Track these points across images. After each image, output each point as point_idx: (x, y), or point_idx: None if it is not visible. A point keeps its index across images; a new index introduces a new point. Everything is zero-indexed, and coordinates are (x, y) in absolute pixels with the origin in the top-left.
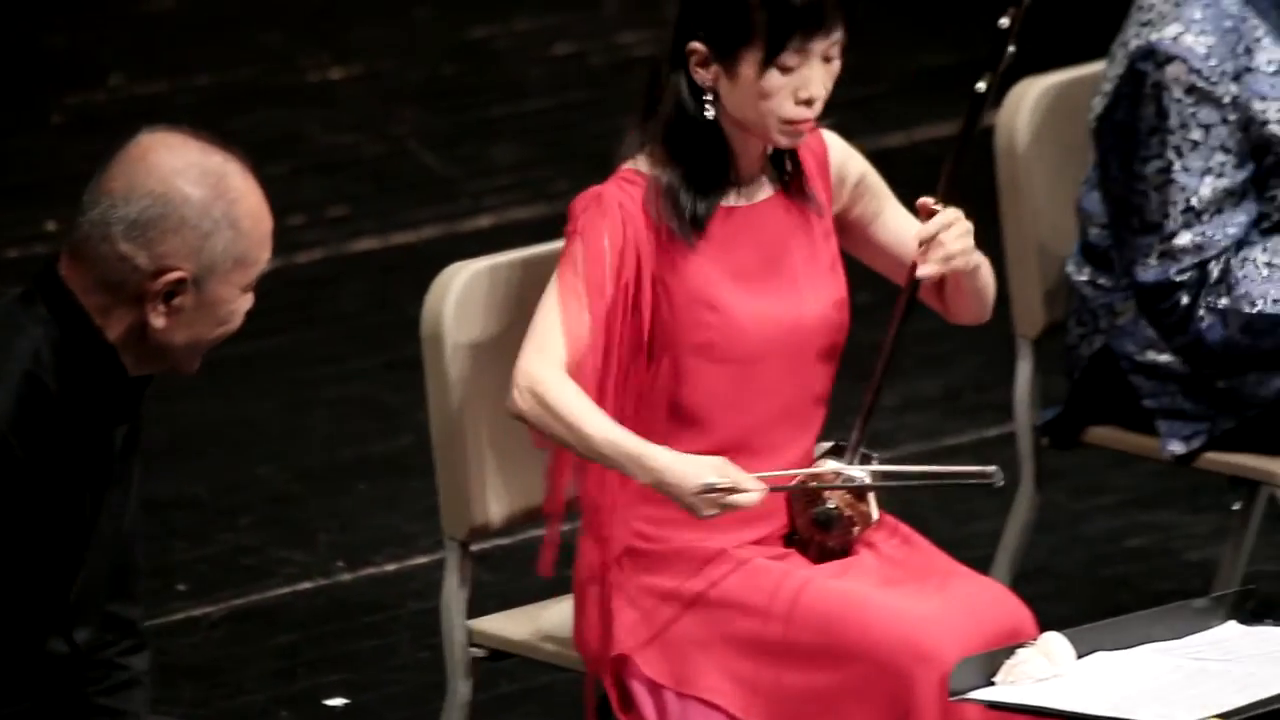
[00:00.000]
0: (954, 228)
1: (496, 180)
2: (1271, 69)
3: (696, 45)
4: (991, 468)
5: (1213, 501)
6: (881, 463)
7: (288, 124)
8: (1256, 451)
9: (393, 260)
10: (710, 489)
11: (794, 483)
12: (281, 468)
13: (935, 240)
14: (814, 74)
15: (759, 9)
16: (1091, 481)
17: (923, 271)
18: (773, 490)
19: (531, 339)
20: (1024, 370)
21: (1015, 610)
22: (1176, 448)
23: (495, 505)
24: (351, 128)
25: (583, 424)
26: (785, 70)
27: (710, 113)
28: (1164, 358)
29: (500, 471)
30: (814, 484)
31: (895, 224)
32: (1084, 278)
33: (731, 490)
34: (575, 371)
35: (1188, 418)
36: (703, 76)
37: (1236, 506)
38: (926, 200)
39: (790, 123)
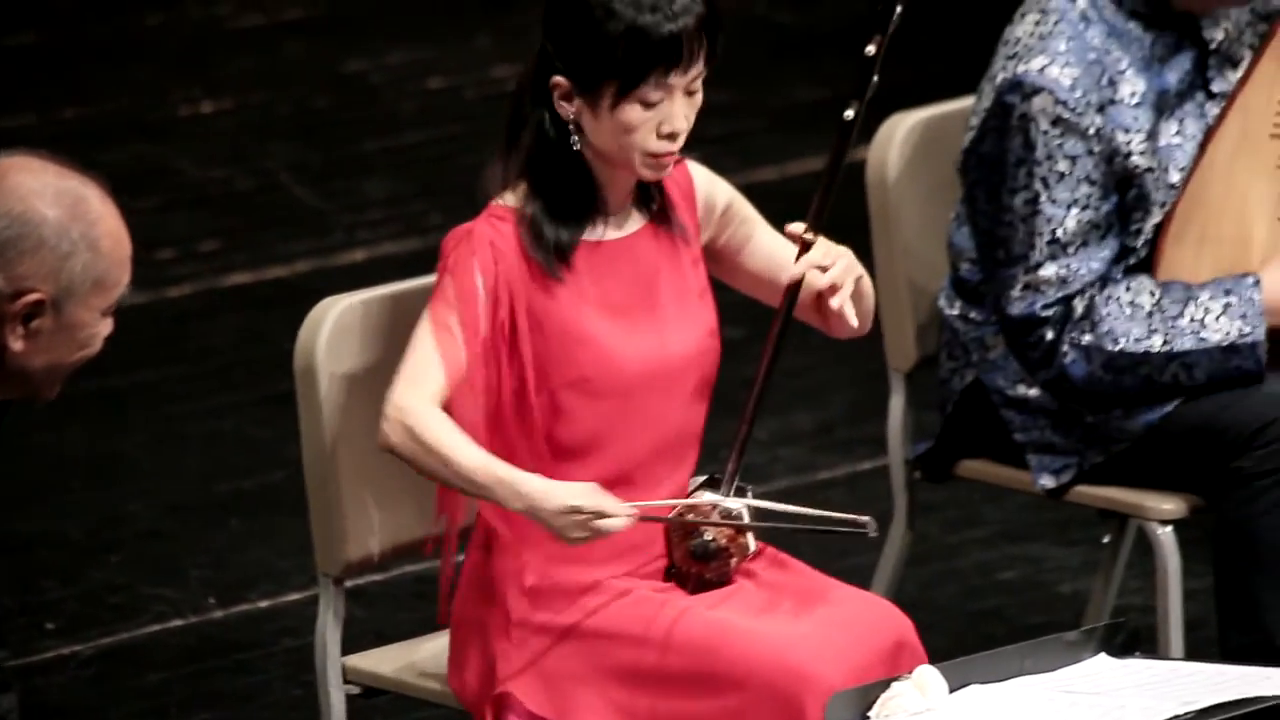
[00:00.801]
0: (829, 254)
1: (370, 214)
2: (1134, 101)
3: (559, 80)
4: (865, 518)
5: (1083, 534)
6: (757, 497)
7: (158, 158)
8: (1125, 485)
9: (265, 294)
10: (576, 512)
11: (670, 514)
12: (152, 504)
13: (811, 256)
14: (676, 108)
15: (620, 44)
16: (964, 515)
17: (797, 270)
18: (645, 520)
19: (404, 372)
20: (896, 404)
21: (897, 623)
22: (1047, 481)
23: (369, 541)
24: (223, 162)
25: (454, 454)
26: (647, 105)
27: (577, 144)
28: (1034, 392)
29: (374, 507)
30: (691, 517)
31: (767, 248)
32: (955, 312)
33: (598, 515)
34: (451, 406)
35: (1057, 451)
36: (566, 110)
37: (1106, 539)
38: (795, 227)
39: (654, 156)
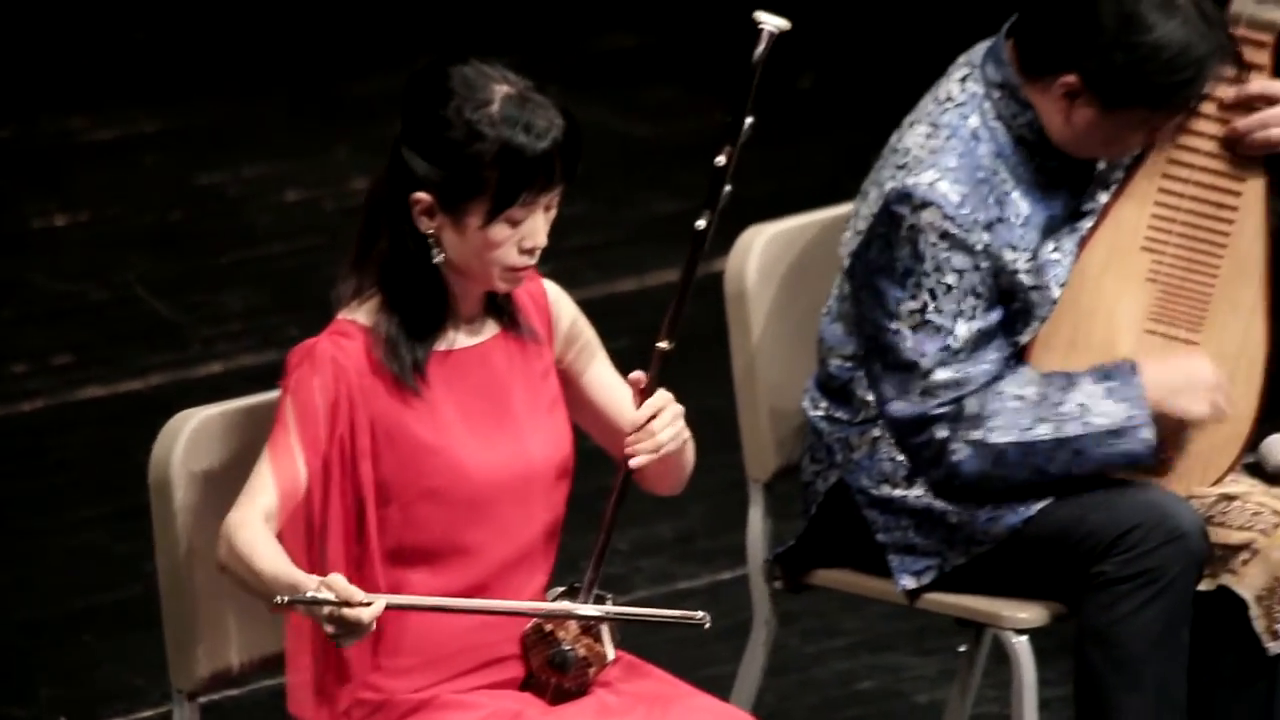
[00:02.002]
0: (664, 414)
1: (227, 326)
2: (1020, 221)
3: (420, 196)
4: (699, 614)
5: (940, 643)
6: (614, 603)
7: (11, 271)
8: (987, 588)
9: (121, 408)
10: (315, 601)
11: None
12: (4, 621)
13: (645, 429)
14: (538, 224)
15: (491, 166)
16: (823, 624)
17: (635, 463)
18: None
19: (241, 494)
20: (755, 513)
21: None
22: (908, 582)
23: (226, 654)
24: (78, 274)
25: (256, 562)
26: (513, 222)
27: (439, 258)
28: (898, 492)
29: (231, 619)
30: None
31: (604, 381)
32: (820, 412)
33: (343, 604)
34: (286, 524)
35: (919, 553)
36: (426, 225)
37: (963, 649)
38: (639, 376)
39: (513, 270)
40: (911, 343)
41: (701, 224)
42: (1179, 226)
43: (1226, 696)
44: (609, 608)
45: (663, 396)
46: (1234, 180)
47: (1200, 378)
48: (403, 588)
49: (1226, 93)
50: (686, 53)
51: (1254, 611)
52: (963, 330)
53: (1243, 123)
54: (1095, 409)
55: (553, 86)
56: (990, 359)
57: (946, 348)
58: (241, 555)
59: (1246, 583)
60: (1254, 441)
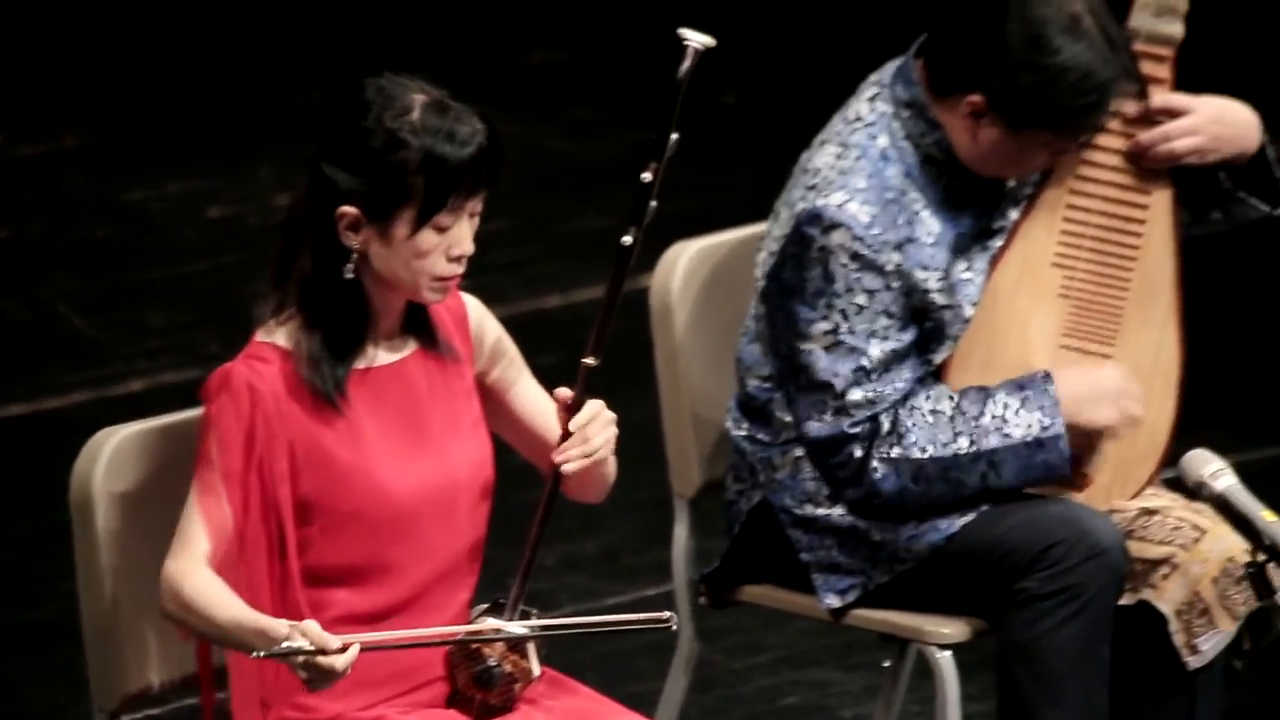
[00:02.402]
0: (596, 422)
1: (149, 344)
2: (930, 240)
3: (346, 210)
4: (667, 613)
5: (865, 658)
6: (540, 618)
7: None
8: (910, 605)
9: (42, 426)
10: (292, 651)
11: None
12: None
13: (579, 435)
14: (465, 231)
15: (416, 172)
16: (748, 640)
17: (568, 468)
18: (364, 649)
19: (176, 540)
20: (681, 530)
21: None
22: (832, 601)
23: (147, 674)
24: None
25: (212, 610)
26: (440, 229)
27: (350, 273)
28: (821, 511)
29: (153, 638)
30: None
31: (530, 396)
32: (742, 432)
33: (318, 652)
34: (221, 563)
35: (843, 571)
36: (352, 239)
37: (887, 664)
38: (564, 392)
39: (441, 279)
40: (825, 363)
41: (627, 240)
42: (1088, 242)
43: (1147, 711)
44: (537, 622)
45: (594, 405)
46: (1140, 194)
47: (1108, 386)
48: (326, 607)
49: (1129, 108)
50: (611, 70)
51: (1174, 626)
52: (876, 350)
53: (1145, 136)
54: (1012, 420)
55: (478, 104)
56: (904, 378)
57: (860, 368)
58: (196, 608)
59: (1166, 597)
60: (1172, 454)
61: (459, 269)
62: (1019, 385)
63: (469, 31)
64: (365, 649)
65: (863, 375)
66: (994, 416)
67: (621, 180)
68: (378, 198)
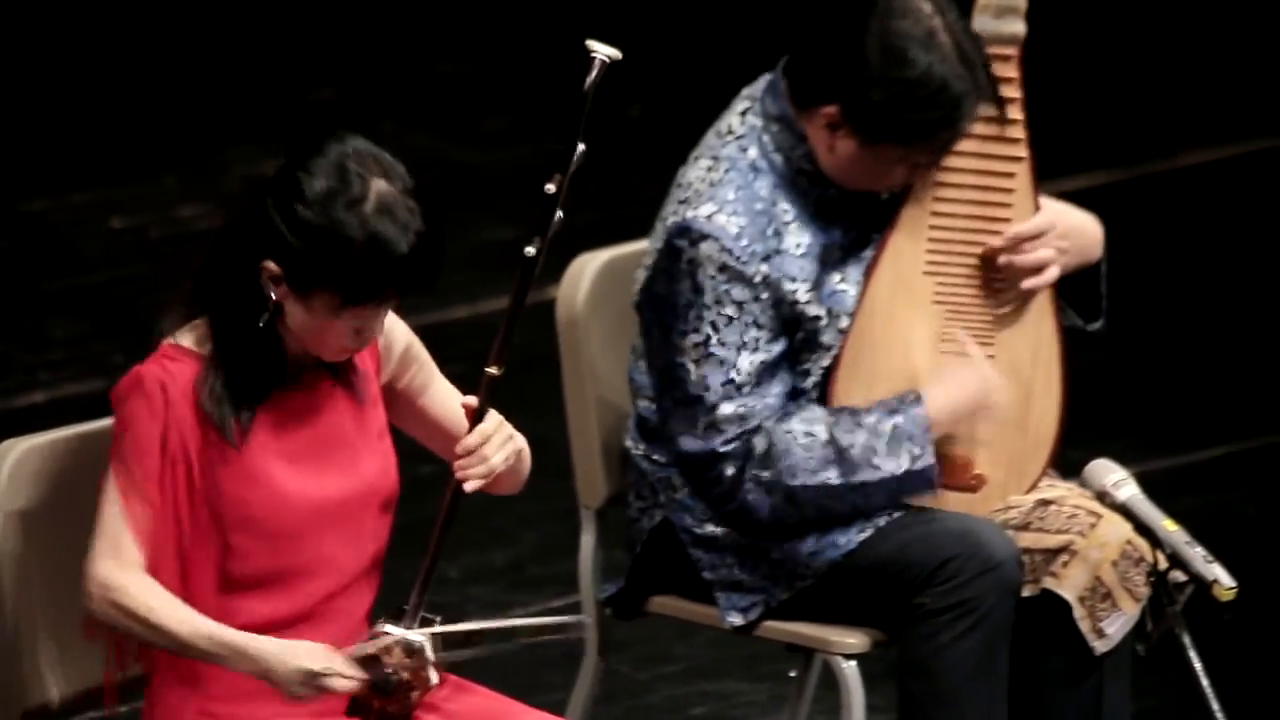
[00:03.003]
0: (495, 438)
1: (51, 355)
2: (800, 252)
3: (271, 266)
4: (578, 616)
5: (771, 669)
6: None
7: None
8: (811, 619)
9: None
10: (311, 676)
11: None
12: None
13: (478, 453)
14: (379, 319)
15: (348, 264)
16: (655, 651)
17: (469, 487)
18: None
19: (101, 541)
20: (587, 541)
21: None
22: (735, 619)
23: (51, 686)
24: None
25: (170, 625)
26: (358, 316)
27: (263, 320)
28: (722, 530)
29: (54, 651)
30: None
31: (443, 398)
32: (640, 451)
33: (331, 676)
34: (154, 568)
35: (745, 589)
36: (269, 289)
37: (793, 674)
38: (469, 400)
39: (343, 351)
40: (695, 376)
41: (531, 250)
42: (957, 246)
43: (1058, 699)
44: (439, 629)
45: (493, 420)
46: (1004, 193)
47: (980, 393)
48: (233, 615)
49: (993, 245)
50: (517, 81)
51: (1078, 612)
52: (745, 363)
53: (1003, 260)
54: (882, 452)
55: (387, 120)
56: (775, 392)
57: (730, 381)
58: (142, 617)
59: (1068, 584)
60: (1074, 461)
61: (362, 346)
62: (890, 409)
63: (380, 42)
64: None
65: (733, 389)
66: (865, 447)
67: (530, 191)
68: (304, 270)
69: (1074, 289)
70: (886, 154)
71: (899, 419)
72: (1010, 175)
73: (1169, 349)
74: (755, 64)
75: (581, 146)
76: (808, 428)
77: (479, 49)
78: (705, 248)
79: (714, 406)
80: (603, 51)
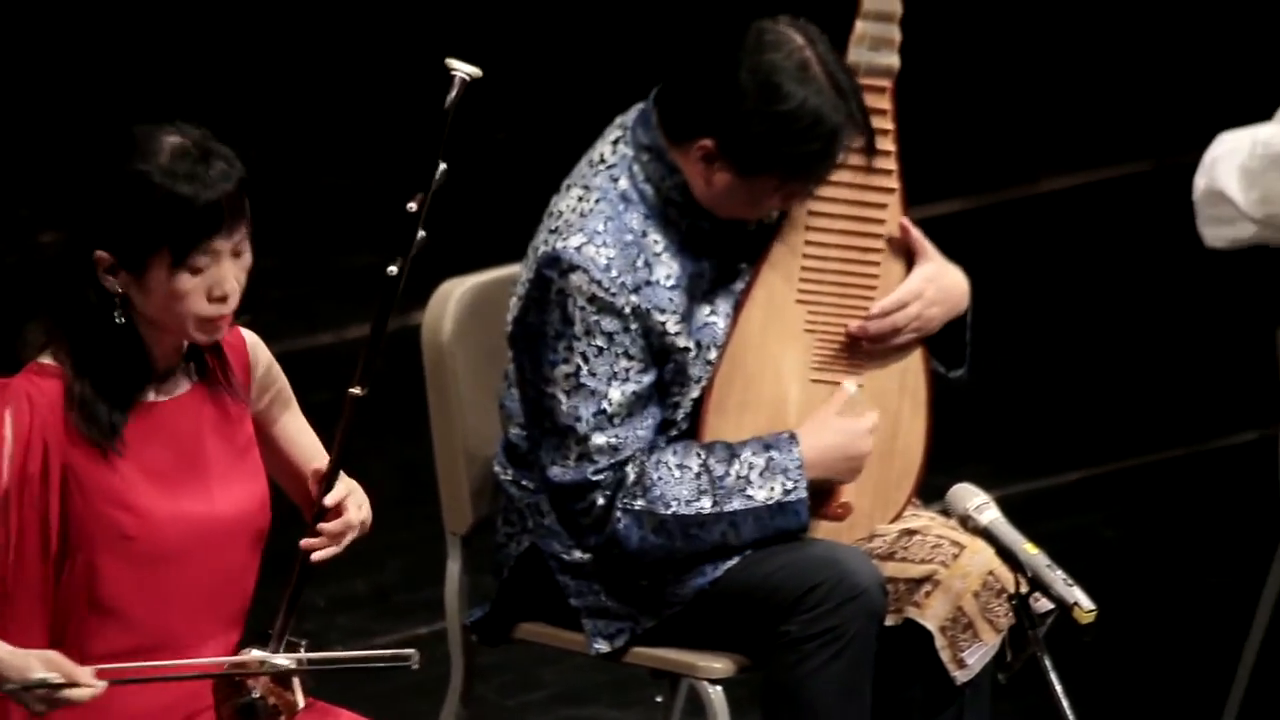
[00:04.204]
0: (348, 514)
1: None
2: (670, 283)
3: (102, 255)
4: (409, 650)
5: (638, 694)
6: (308, 650)
7: None
8: (678, 645)
9: None
10: (41, 684)
11: (221, 671)
12: None
13: (327, 539)
14: (225, 271)
15: (161, 217)
16: (522, 677)
17: (318, 556)
18: (136, 681)
19: None
20: (454, 567)
21: None
22: (601, 646)
23: None
24: None
25: None
26: (196, 271)
27: (120, 318)
28: (589, 557)
29: None
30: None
31: (294, 428)
32: (509, 477)
33: (66, 685)
34: None
35: (612, 616)
36: (112, 283)
37: (660, 699)
38: (318, 468)
39: (206, 320)
40: (566, 407)
41: (393, 270)
42: (829, 276)
43: None
44: (309, 654)
45: (343, 489)
46: (875, 224)
47: (855, 450)
48: (91, 640)
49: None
50: (382, 100)
51: (939, 642)
52: (616, 394)
53: (874, 328)
54: (755, 483)
55: (251, 148)
56: (646, 424)
57: (601, 411)
58: None
59: (930, 614)
60: (936, 484)
61: (224, 309)
62: (765, 444)
63: (237, 66)
64: (116, 682)
65: (605, 420)
66: (739, 477)
67: (397, 215)
68: (129, 243)
69: (938, 337)
70: (763, 185)
71: (774, 453)
72: (882, 206)
73: (1029, 374)
74: (626, 87)
75: (443, 165)
76: (681, 459)
77: (340, 71)
78: (574, 279)
79: (585, 437)
80: (463, 70)
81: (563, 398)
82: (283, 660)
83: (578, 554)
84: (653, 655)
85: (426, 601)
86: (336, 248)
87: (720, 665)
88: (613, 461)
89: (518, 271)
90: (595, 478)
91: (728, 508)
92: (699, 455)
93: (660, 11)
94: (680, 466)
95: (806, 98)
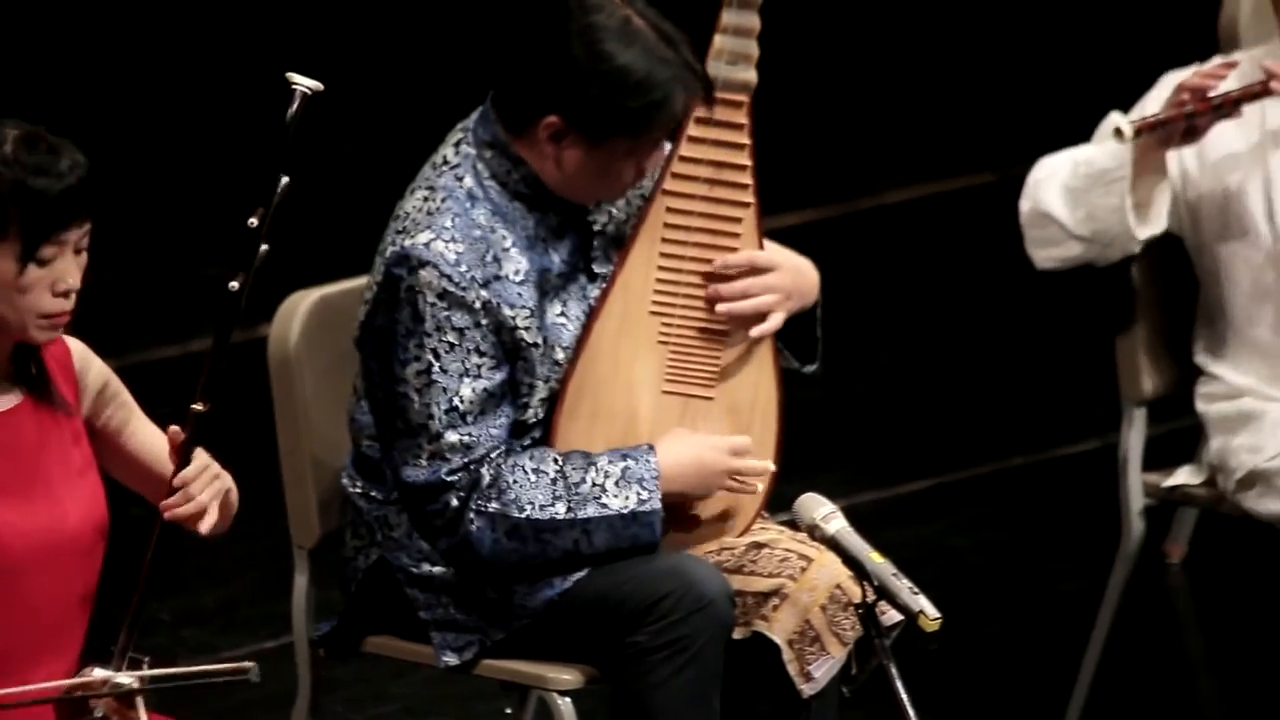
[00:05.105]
0: (203, 476)
1: None
2: (519, 278)
3: None
4: (248, 664)
5: (487, 707)
6: (150, 668)
7: None
8: (528, 658)
9: None
10: None
11: (60, 692)
12: None
13: (184, 491)
14: (69, 265)
15: (12, 205)
16: (370, 691)
17: (172, 514)
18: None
19: None
20: (301, 581)
21: None
22: (450, 659)
23: None
24: None
25: None
26: (43, 263)
27: None
28: (439, 570)
29: None
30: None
31: (143, 436)
32: (358, 490)
33: None
34: None
35: (460, 629)
36: None
37: (509, 711)
38: (176, 430)
39: (49, 316)
40: (419, 405)
41: (235, 285)
42: (683, 289)
43: None
44: (146, 672)
45: (200, 459)
46: (729, 238)
47: (713, 466)
48: None
49: (717, 263)
50: (226, 113)
51: (787, 655)
52: (468, 390)
53: (726, 289)
54: (611, 491)
55: (89, 153)
56: (499, 423)
57: (454, 408)
58: None
59: (778, 628)
60: (782, 493)
61: (67, 305)
62: (622, 454)
63: (81, 77)
64: None
65: (457, 417)
66: (594, 484)
67: (241, 229)
68: None
69: (790, 331)
70: (614, 150)
71: (631, 463)
72: (737, 220)
73: (877, 384)
74: (468, 96)
75: (285, 179)
76: (538, 464)
77: (183, 86)
78: (424, 274)
79: (438, 435)
80: (303, 84)
81: (415, 396)
82: (125, 679)
83: (426, 567)
84: (501, 667)
85: (274, 615)
86: (180, 259)
87: (569, 677)
88: (466, 461)
89: (365, 282)
90: (449, 478)
91: (581, 514)
92: (556, 461)
93: (496, 19)
94: (536, 471)
95: (634, 53)
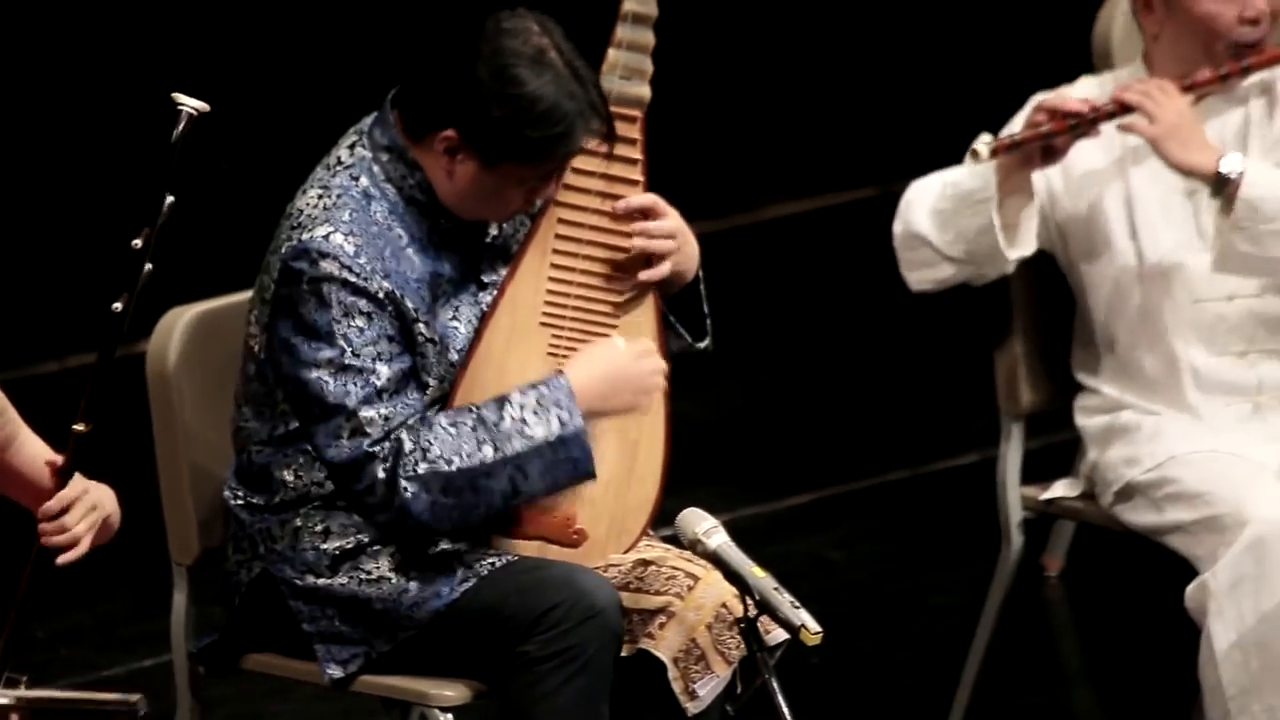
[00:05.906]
0: (78, 506)
1: None
2: (415, 277)
3: None
4: (135, 696)
5: None
6: (29, 688)
7: None
8: (415, 671)
9: None
10: None
11: None
12: None
13: (59, 521)
14: None
15: None
16: (251, 710)
17: (46, 542)
18: None
19: None
20: (180, 598)
21: None
22: (335, 671)
23: None
24: None
25: None
26: None
27: None
28: (323, 581)
29: None
30: None
31: (30, 450)
32: (240, 501)
33: None
34: None
35: (346, 641)
36: None
37: None
38: (53, 459)
39: None
40: (335, 386)
41: (118, 306)
42: (573, 301)
43: None
44: (25, 693)
45: (76, 486)
46: (621, 252)
47: (624, 370)
48: None
49: (620, 204)
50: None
51: (672, 674)
52: (385, 371)
53: (633, 228)
54: (531, 421)
55: None
56: (414, 397)
57: (370, 385)
58: None
59: (664, 645)
60: (667, 508)
61: None
62: (533, 385)
63: None
64: None
65: (375, 394)
66: (514, 419)
67: (123, 248)
68: None
69: (679, 308)
70: (507, 175)
71: (544, 389)
72: (629, 235)
73: (757, 399)
74: (352, 116)
75: (170, 198)
76: (453, 419)
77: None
78: (325, 265)
79: (355, 411)
80: (189, 104)
81: (330, 380)
82: (1, 699)
83: (311, 578)
84: (383, 684)
85: (153, 633)
86: (56, 277)
87: (453, 692)
88: (386, 430)
89: (245, 299)
90: (371, 449)
91: (510, 450)
92: (471, 410)
93: (387, 41)
94: (454, 424)
95: (544, 83)
